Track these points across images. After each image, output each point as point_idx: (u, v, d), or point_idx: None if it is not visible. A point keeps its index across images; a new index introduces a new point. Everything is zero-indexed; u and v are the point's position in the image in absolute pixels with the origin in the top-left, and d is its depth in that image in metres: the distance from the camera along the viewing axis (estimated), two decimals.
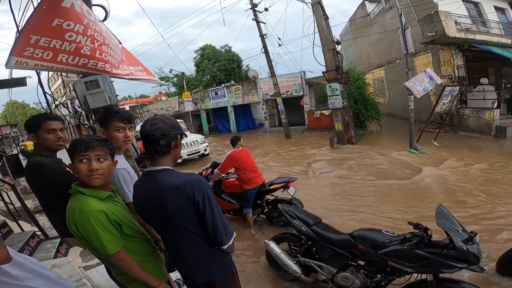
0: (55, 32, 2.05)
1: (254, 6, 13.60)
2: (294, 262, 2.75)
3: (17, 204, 3.76)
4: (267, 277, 3.11)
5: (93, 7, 2.70)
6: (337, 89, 10.33)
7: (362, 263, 2.41)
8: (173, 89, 28.06)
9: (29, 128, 1.73)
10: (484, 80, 10.56)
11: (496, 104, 9.78)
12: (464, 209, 4.31)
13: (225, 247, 1.35)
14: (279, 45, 21.85)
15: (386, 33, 14.21)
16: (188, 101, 19.30)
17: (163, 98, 29.14)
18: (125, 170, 1.70)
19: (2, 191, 3.96)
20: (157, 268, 1.52)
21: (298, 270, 2.70)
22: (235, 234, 1.42)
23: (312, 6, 10.56)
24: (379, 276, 2.30)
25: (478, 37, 10.64)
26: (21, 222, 3.66)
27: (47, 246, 3.19)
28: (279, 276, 3.02)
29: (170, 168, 1.35)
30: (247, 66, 25.31)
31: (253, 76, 17.87)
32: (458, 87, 9.79)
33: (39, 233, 3.38)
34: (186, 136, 1.45)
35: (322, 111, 14.81)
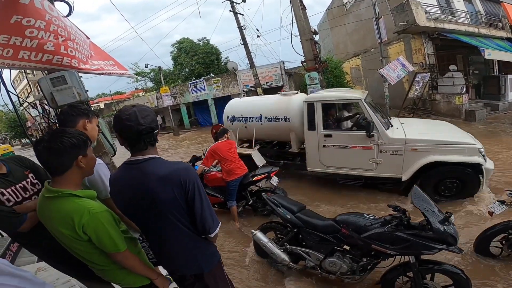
0: (14, 28, 1.96)
1: None
2: (282, 250, 2.77)
3: None
4: (255, 267, 3.12)
5: (56, 2, 2.56)
6: (315, 78, 10.45)
7: (348, 247, 2.46)
8: (150, 84, 27.15)
9: None
10: (453, 67, 11.07)
11: (464, 89, 10.30)
12: None
13: (212, 235, 1.36)
14: (258, 36, 21.52)
15: (362, 23, 14.43)
16: (167, 95, 18.75)
17: (140, 94, 28.13)
18: (103, 165, 1.65)
19: None
20: (144, 261, 1.51)
21: (286, 258, 2.72)
22: (220, 223, 1.42)
23: None
24: (364, 260, 2.35)
25: (447, 26, 11.07)
26: None
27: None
28: (268, 266, 3.05)
29: (158, 156, 1.30)
30: (226, 58, 24.96)
31: (233, 68, 17.64)
32: (429, 73, 10.21)
33: None
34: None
35: None
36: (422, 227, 2.09)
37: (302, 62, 11.10)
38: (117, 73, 2.72)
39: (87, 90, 2.47)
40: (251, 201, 4.22)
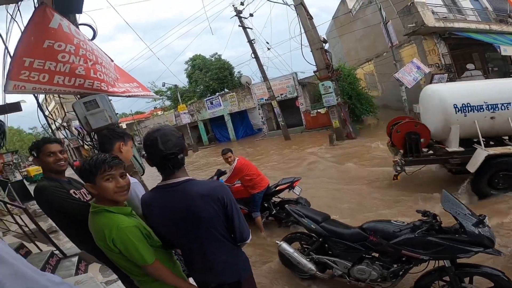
0: (47, 53, 2.07)
1: (238, 13, 13.74)
2: (308, 260, 2.75)
3: (32, 226, 3.84)
4: (282, 277, 3.10)
5: (80, 26, 2.71)
6: (330, 87, 10.44)
7: (377, 254, 2.42)
8: (167, 103, 28.11)
9: (31, 152, 1.78)
10: (470, 66, 10.75)
11: None
12: None
13: (248, 241, 1.46)
14: (268, 49, 21.91)
15: (370, 28, 14.38)
16: (185, 113, 19.33)
17: (159, 112, 29.17)
18: (139, 184, 1.78)
19: (14, 215, 4.03)
20: (178, 272, 1.57)
21: (313, 267, 2.70)
22: (250, 230, 1.52)
23: (295, 8, 10.72)
24: (395, 266, 2.30)
25: (456, 25, 10.87)
26: (37, 243, 3.76)
27: (67, 264, 3.24)
28: (294, 276, 3.02)
29: (191, 177, 1.40)
30: (239, 72, 25.51)
31: (246, 82, 17.99)
32: (446, 74, 9.95)
33: (57, 252, 3.44)
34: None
35: (318, 110, 14.90)
36: (455, 230, 2.05)
37: (314, 72, 11.17)
38: (141, 95, 2.88)
39: (117, 113, 2.62)
40: (274, 212, 4.21)
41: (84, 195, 1.74)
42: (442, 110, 4.32)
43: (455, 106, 4.23)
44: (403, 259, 2.26)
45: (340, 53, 22.48)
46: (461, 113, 4.24)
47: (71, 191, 1.69)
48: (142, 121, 27.34)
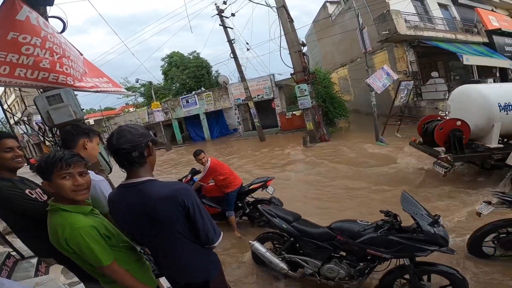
0: (10, 45, 1.97)
1: (220, 11, 13.62)
2: (280, 259, 2.80)
3: None
4: (255, 277, 3.13)
5: (50, 19, 2.56)
6: (305, 90, 10.68)
7: (344, 253, 2.51)
8: (141, 100, 27.13)
9: None
10: (434, 74, 11.54)
11: (447, 95, 10.71)
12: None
13: (216, 244, 1.43)
14: (248, 49, 22.00)
15: (347, 33, 14.95)
16: (158, 111, 18.76)
17: (131, 109, 28.02)
18: (105, 181, 1.72)
19: None
20: (145, 275, 1.54)
21: (285, 267, 2.75)
22: (222, 233, 1.49)
23: (277, 10, 10.84)
24: (361, 264, 2.39)
25: (426, 33, 11.60)
26: None
27: (25, 266, 3.06)
28: (267, 275, 3.05)
29: (153, 178, 1.37)
30: (216, 71, 25.29)
31: (223, 81, 17.86)
32: (412, 81, 10.61)
33: (14, 253, 3.22)
34: (157, 143, 1.43)
35: (293, 112, 15.19)
36: (414, 230, 2.16)
37: (291, 74, 11.37)
38: (111, 91, 2.76)
39: (83, 109, 2.49)
40: (247, 211, 4.25)
41: (40, 194, 1.65)
42: (487, 108, 4.52)
43: (499, 104, 4.48)
44: (368, 257, 2.35)
45: (318, 57, 23.09)
46: (504, 111, 4.51)
47: (27, 191, 1.59)
48: (112, 118, 26.08)
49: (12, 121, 3.13)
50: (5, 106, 3.17)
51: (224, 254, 3.70)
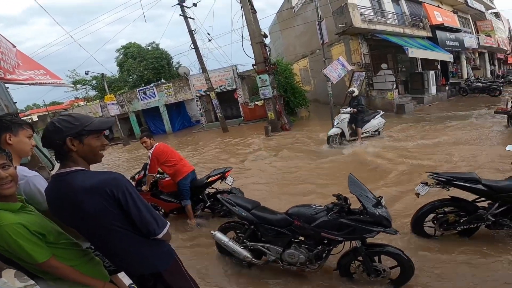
0: None
1: (181, 1, 12.98)
2: (242, 247, 2.82)
3: None
4: (220, 267, 3.15)
5: None
6: (266, 80, 10.81)
7: (303, 238, 2.58)
8: (93, 93, 24.98)
9: None
10: (384, 66, 12.41)
11: (394, 85, 11.65)
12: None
13: (159, 236, 1.37)
14: (209, 40, 21.49)
15: (308, 25, 15.22)
16: (113, 104, 17.47)
17: (81, 103, 25.71)
18: (39, 176, 1.60)
19: None
20: (94, 270, 1.48)
21: (248, 255, 2.77)
22: (168, 223, 1.45)
23: (240, 1, 10.65)
24: (319, 248, 2.47)
25: (378, 27, 12.32)
26: None
27: None
28: (233, 264, 3.08)
29: (82, 168, 1.30)
30: (177, 63, 24.23)
31: (184, 73, 17.22)
32: (364, 72, 11.30)
33: None
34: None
35: (255, 102, 15.29)
36: (360, 212, 2.27)
37: (253, 65, 11.38)
38: (49, 83, 2.51)
39: (16, 102, 2.24)
40: (208, 203, 4.21)
41: None
42: None
43: None
44: (325, 241, 2.43)
45: (280, 48, 23.30)
46: None
47: None
48: (59, 113, 23.70)
49: None
50: None
51: (188, 245, 3.69)
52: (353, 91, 7.49)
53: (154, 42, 23.61)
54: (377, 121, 7.50)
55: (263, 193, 5.03)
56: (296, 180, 5.57)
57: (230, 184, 4.20)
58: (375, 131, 7.59)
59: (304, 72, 19.94)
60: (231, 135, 12.67)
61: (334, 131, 7.42)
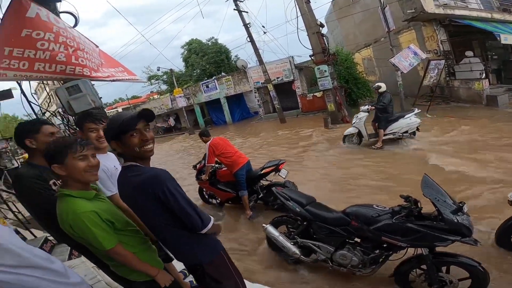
0: (25, 42, 2.10)
1: None
2: (292, 243, 2.77)
3: (27, 214, 3.86)
4: (269, 261, 3.16)
5: (62, 14, 2.69)
6: (325, 71, 10.32)
7: (359, 240, 2.41)
8: (164, 87, 27.73)
9: (24, 135, 1.63)
10: (469, 53, 10.60)
11: (484, 75, 9.82)
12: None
13: (203, 231, 1.42)
14: (264, 32, 21.52)
15: (369, 13, 13.98)
16: (180, 97, 19.13)
17: (155, 96, 28.83)
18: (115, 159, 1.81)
19: (9, 202, 4.08)
20: (151, 258, 1.59)
21: (297, 252, 2.71)
22: (212, 218, 1.49)
23: None
24: (376, 252, 2.29)
25: (457, 12, 10.60)
26: (32, 230, 3.85)
27: (61, 250, 3.31)
28: (281, 259, 3.06)
29: (133, 163, 1.38)
30: (236, 56, 25.00)
31: (242, 65, 17.72)
32: (443, 60, 9.83)
33: (51, 238, 3.49)
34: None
35: (314, 94, 14.81)
36: (434, 218, 2.00)
37: (310, 56, 10.99)
38: (126, 79, 2.85)
39: (101, 97, 2.61)
40: (261, 195, 4.27)
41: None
42: None
43: None
44: (384, 245, 2.24)
45: (339, 38, 21.95)
46: None
47: (51, 182, 1.62)
48: (138, 106, 27.04)
49: (40, 113, 3.36)
50: (40, 101, 3.39)
51: (237, 235, 3.83)
52: (379, 86, 6.63)
53: (213, 37, 24.76)
54: (406, 121, 6.38)
55: (318, 189, 4.83)
56: (355, 177, 5.20)
57: (284, 177, 4.17)
58: (403, 132, 6.44)
59: (367, 61, 18.38)
60: (288, 126, 12.56)
61: (350, 130, 6.85)
